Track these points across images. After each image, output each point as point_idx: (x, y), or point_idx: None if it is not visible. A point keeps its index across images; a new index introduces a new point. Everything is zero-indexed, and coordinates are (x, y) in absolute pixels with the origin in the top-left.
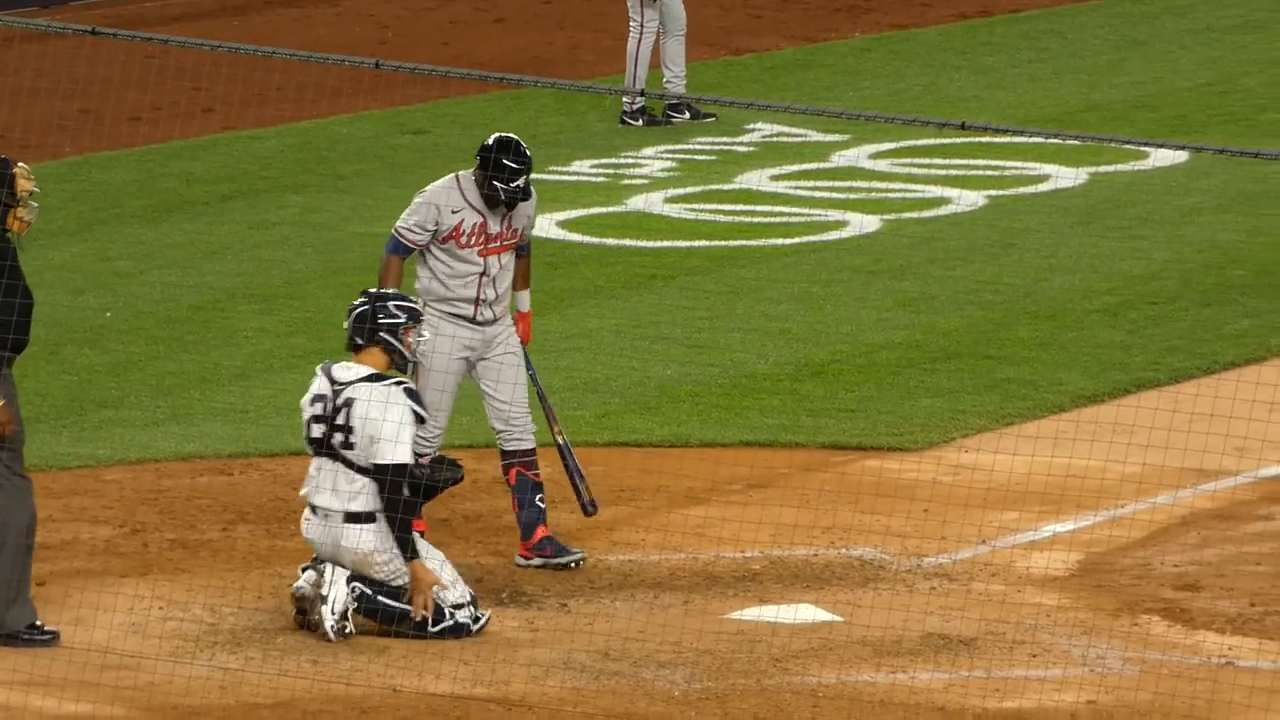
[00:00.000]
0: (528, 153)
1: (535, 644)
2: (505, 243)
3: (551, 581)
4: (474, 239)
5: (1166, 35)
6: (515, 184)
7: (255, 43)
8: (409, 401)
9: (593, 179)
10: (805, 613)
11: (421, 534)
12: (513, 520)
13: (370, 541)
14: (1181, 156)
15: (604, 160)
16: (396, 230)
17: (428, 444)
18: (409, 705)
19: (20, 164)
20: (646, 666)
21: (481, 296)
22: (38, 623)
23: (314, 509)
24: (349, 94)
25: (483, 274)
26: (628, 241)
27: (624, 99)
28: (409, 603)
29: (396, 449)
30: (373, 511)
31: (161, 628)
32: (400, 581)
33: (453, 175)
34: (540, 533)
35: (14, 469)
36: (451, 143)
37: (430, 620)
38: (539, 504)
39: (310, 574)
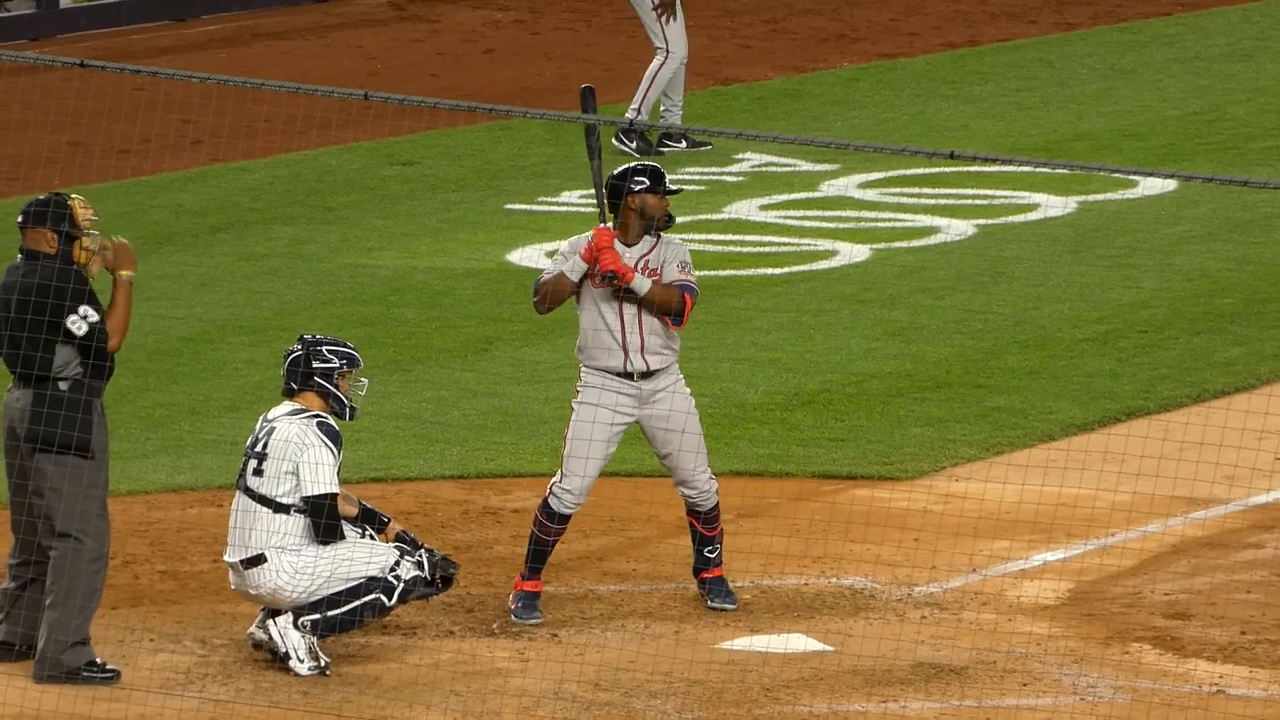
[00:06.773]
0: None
1: (526, 674)
2: None
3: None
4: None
5: (1155, 64)
6: (670, 183)
7: (243, 75)
8: (321, 434)
9: (582, 209)
10: (796, 642)
11: (537, 595)
12: (503, 551)
13: (270, 581)
14: (1170, 185)
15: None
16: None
17: (568, 504)
18: None
19: (74, 195)
20: (637, 697)
21: (627, 343)
22: (97, 660)
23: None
24: (338, 125)
25: (620, 316)
26: None
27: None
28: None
29: (317, 480)
30: (261, 552)
31: (152, 660)
32: (323, 591)
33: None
34: (705, 575)
35: (102, 511)
36: (440, 174)
37: (385, 600)
38: (706, 555)
39: (258, 622)
